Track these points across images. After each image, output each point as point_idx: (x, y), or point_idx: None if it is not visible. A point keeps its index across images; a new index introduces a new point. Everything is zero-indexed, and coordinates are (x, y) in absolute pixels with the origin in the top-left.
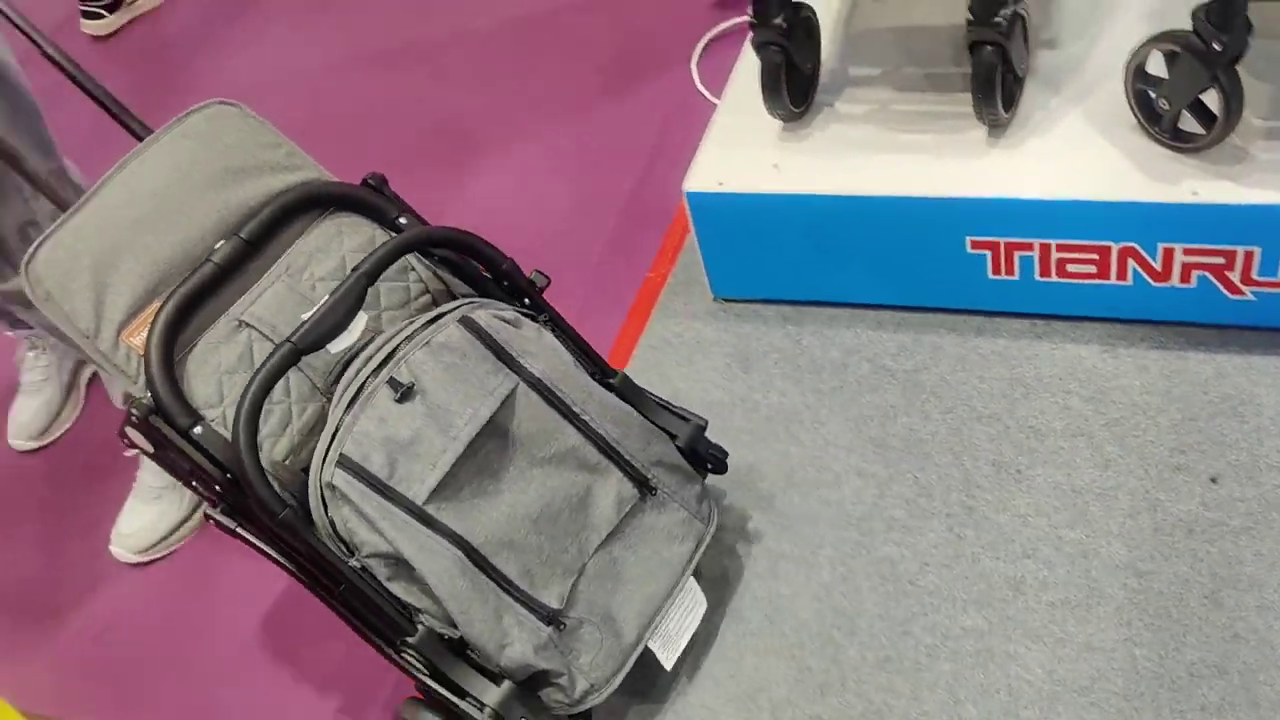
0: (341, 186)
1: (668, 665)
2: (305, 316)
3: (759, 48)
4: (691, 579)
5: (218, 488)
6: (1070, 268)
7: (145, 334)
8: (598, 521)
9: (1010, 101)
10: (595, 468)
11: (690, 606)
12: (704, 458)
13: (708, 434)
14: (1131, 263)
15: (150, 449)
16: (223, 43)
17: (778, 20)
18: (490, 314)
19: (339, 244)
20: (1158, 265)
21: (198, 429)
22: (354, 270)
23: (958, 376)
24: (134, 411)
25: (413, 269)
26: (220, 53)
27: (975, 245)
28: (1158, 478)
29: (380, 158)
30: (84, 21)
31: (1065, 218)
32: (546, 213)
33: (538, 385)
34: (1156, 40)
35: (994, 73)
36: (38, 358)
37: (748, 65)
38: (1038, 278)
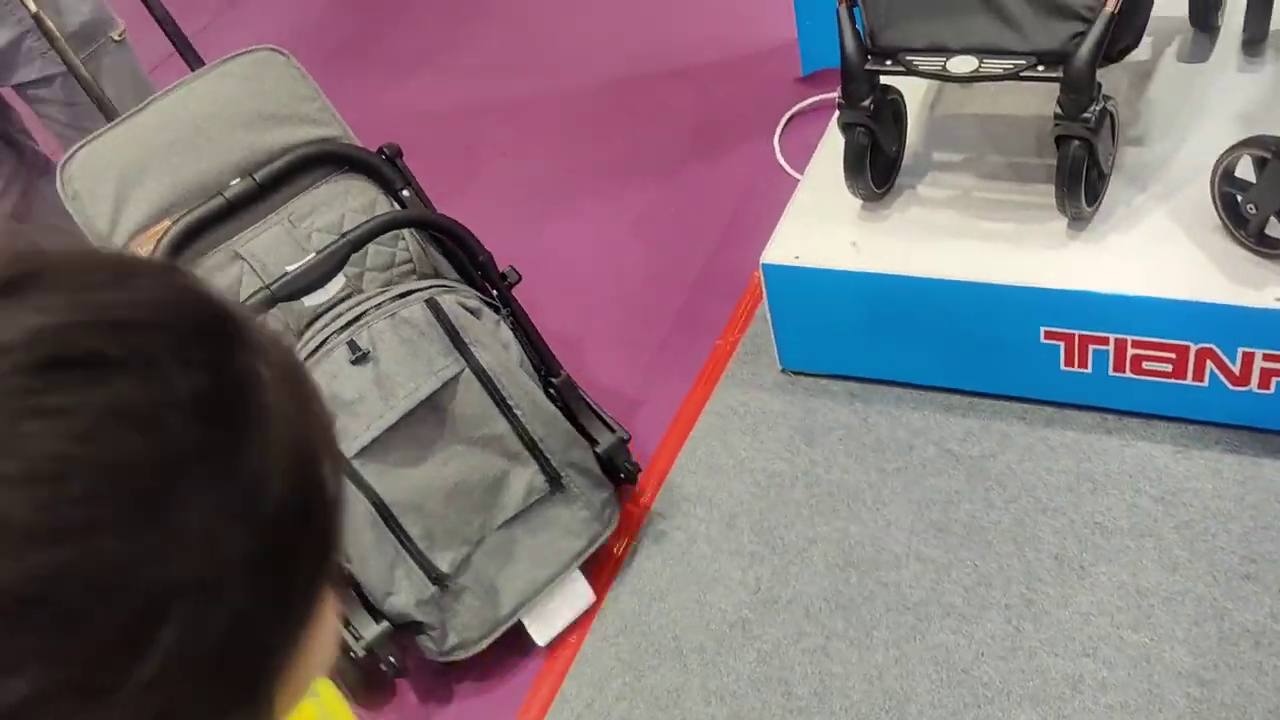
0: (357, 150)
1: (540, 642)
2: (290, 268)
3: (845, 128)
4: (579, 573)
5: None
6: (1146, 365)
7: (151, 247)
8: (506, 503)
9: (1094, 196)
10: (515, 457)
11: (573, 598)
12: (619, 469)
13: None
14: (1209, 365)
15: None
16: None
17: (866, 102)
18: (455, 299)
19: (343, 202)
20: (1236, 369)
21: None
22: (343, 235)
23: (1024, 466)
24: None
25: (403, 239)
26: None
27: (1049, 336)
28: (1226, 585)
29: (463, 206)
30: None
31: (1143, 315)
32: (622, 272)
33: (481, 374)
34: (1247, 145)
35: (1080, 167)
36: None
37: (832, 143)
38: (1111, 373)
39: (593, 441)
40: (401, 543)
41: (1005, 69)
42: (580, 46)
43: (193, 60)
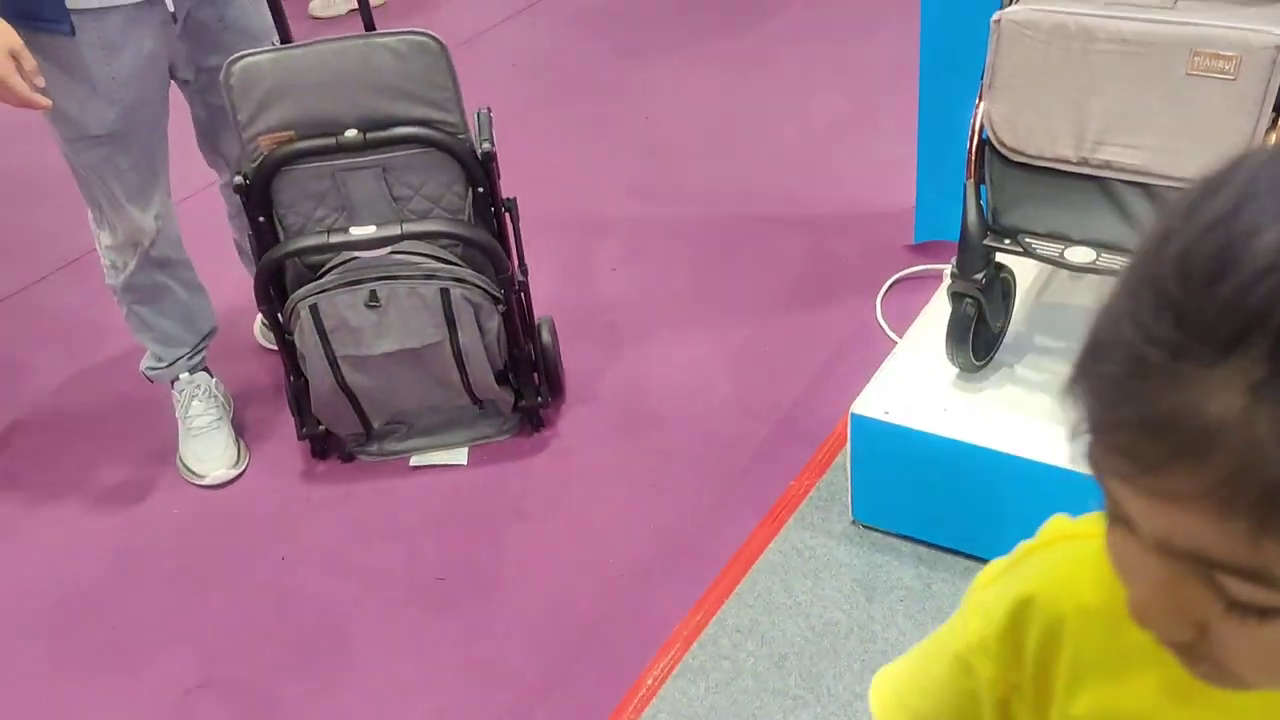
0: (456, 144)
1: (412, 463)
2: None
3: (954, 297)
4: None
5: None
6: None
7: (271, 146)
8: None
9: None
10: (458, 394)
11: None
12: (528, 413)
13: None
14: None
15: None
16: None
17: (978, 275)
18: (463, 293)
19: (432, 172)
20: None
21: (260, 219)
22: (403, 225)
23: None
24: (240, 176)
25: (461, 207)
26: None
27: None
28: None
29: (564, 305)
30: None
31: None
32: (710, 399)
33: (454, 346)
34: None
35: None
36: (207, 407)
37: (937, 308)
38: None
39: (517, 395)
40: (353, 406)
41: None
42: (708, 180)
43: (367, 22)
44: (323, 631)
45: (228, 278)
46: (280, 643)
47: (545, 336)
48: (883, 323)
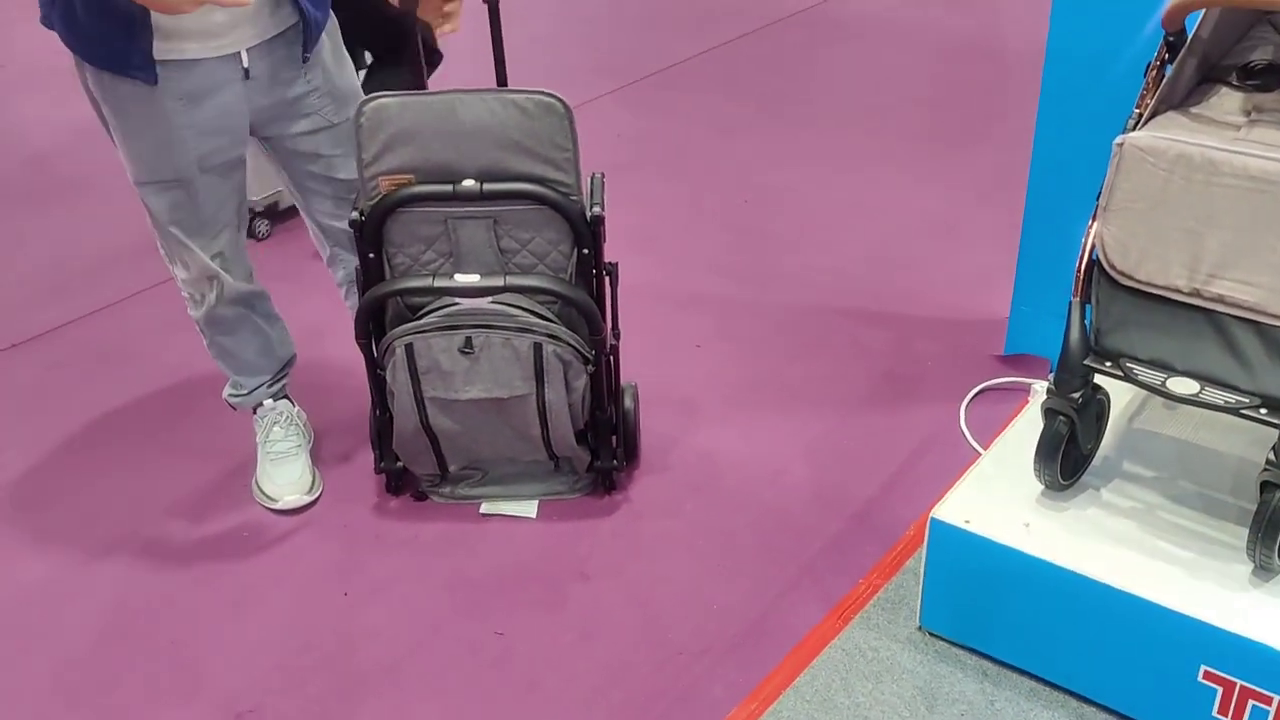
0: (567, 204)
1: (482, 510)
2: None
3: (1048, 413)
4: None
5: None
6: None
7: (388, 187)
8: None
9: None
10: (536, 447)
11: (524, 508)
12: (603, 474)
13: None
14: None
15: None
16: None
17: (1075, 395)
18: (555, 350)
19: (540, 229)
20: None
21: (370, 255)
22: (506, 278)
23: None
24: (356, 212)
25: (564, 265)
26: None
27: (1208, 677)
28: None
29: (646, 389)
30: None
31: None
32: (783, 487)
33: (539, 403)
34: None
35: None
36: (287, 433)
37: (1026, 423)
38: None
39: (593, 456)
40: (433, 448)
41: (1226, 402)
42: (799, 267)
43: (501, 79)
44: (377, 673)
45: (313, 308)
46: (334, 678)
47: (628, 402)
48: (965, 430)
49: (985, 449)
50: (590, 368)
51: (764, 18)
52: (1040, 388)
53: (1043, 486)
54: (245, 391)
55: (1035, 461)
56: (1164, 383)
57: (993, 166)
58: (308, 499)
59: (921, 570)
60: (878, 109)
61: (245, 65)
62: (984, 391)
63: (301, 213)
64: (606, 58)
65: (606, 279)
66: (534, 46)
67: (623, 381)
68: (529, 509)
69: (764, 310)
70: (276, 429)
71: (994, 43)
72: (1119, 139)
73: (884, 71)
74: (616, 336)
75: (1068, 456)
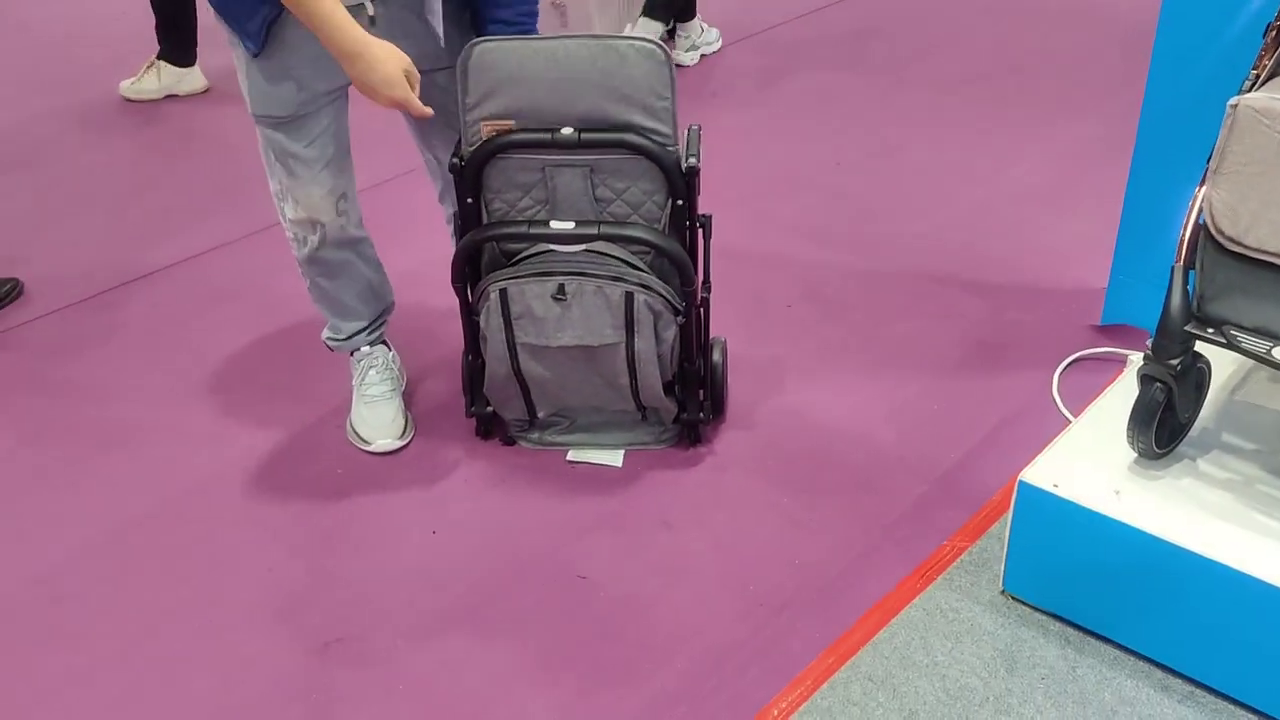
0: (664, 154)
1: (569, 457)
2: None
3: (1145, 380)
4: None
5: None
6: None
7: (489, 131)
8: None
9: None
10: (624, 397)
11: (610, 457)
12: (690, 425)
13: None
14: None
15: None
16: None
17: (1174, 361)
18: (646, 300)
19: (636, 178)
20: None
21: (469, 200)
22: (599, 226)
23: None
24: (456, 158)
25: (658, 215)
26: None
27: None
28: None
29: (735, 346)
30: None
31: None
32: (871, 448)
33: (629, 350)
34: None
35: None
36: (382, 378)
37: (1122, 389)
38: None
39: (680, 408)
40: (522, 392)
41: None
42: (893, 232)
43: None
44: (460, 611)
45: (411, 256)
46: (418, 614)
47: (716, 356)
48: (1058, 399)
49: (1078, 417)
50: (680, 319)
51: None
52: (1137, 358)
53: (1136, 454)
54: (343, 336)
55: (1129, 428)
56: (1269, 350)
57: (1093, 137)
58: (400, 443)
59: (1006, 535)
60: (975, 74)
61: (370, 14)
62: (1078, 361)
63: (418, 147)
64: (710, 15)
65: (700, 231)
66: None
67: (712, 336)
68: (615, 458)
69: (855, 273)
70: (372, 373)
71: (1098, 9)
72: (1233, 100)
73: (982, 36)
74: (708, 289)
75: (1164, 425)
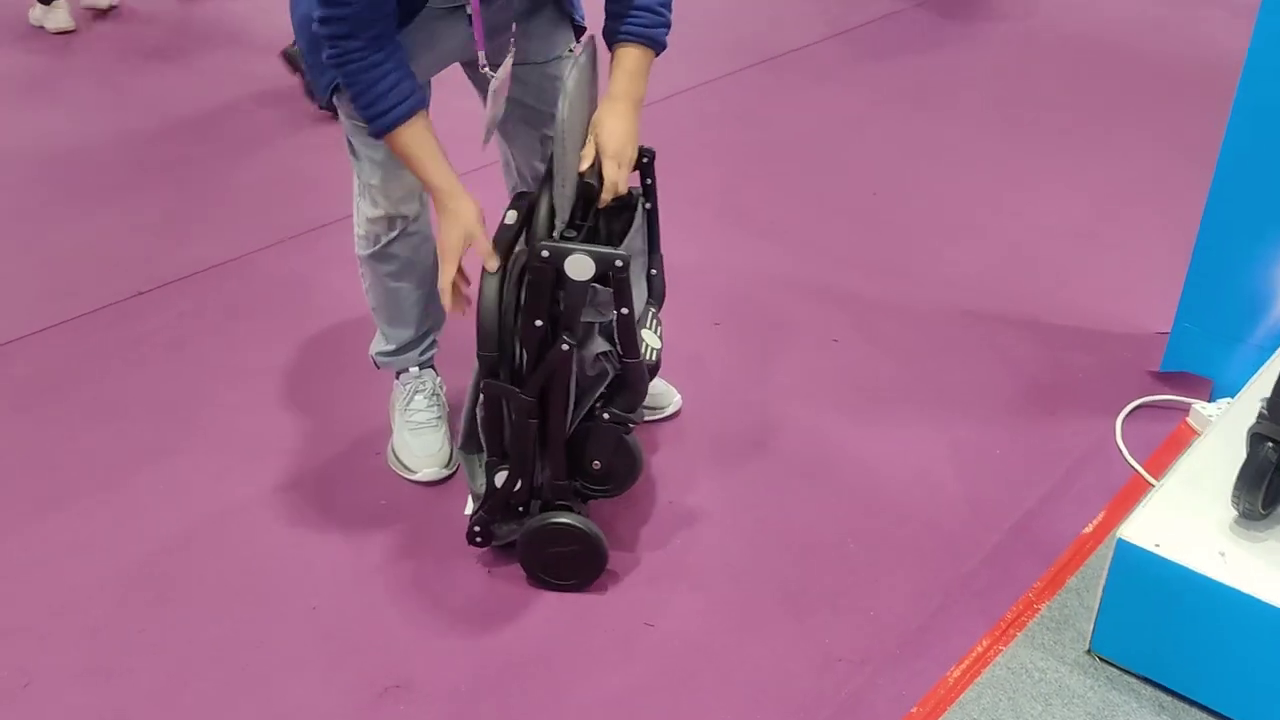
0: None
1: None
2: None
3: (1256, 439)
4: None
5: None
6: None
7: None
8: None
9: None
10: None
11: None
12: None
13: None
14: None
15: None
16: None
17: None
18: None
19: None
20: None
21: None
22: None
23: None
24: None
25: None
26: None
27: None
28: None
29: (783, 383)
30: None
31: None
32: (929, 491)
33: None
34: None
35: None
36: (429, 404)
37: (1216, 442)
38: None
39: None
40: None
41: None
42: (934, 265)
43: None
44: (523, 654)
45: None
46: (480, 658)
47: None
48: (1122, 446)
49: (1144, 466)
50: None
51: (886, 8)
52: (1200, 408)
53: (1237, 514)
54: (394, 348)
55: (1236, 487)
56: None
57: (1135, 170)
58: (446, 472)
59: (1086, 590)
60: (1016, 103)
61: (469, 12)
62: (1140, 408)
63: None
64: (739, 35)
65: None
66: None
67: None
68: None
69: (898, 307)
70: (419, 398)
71: (1128, 47)
72: None
73: (1024, 65)
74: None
75: (1271, 485)
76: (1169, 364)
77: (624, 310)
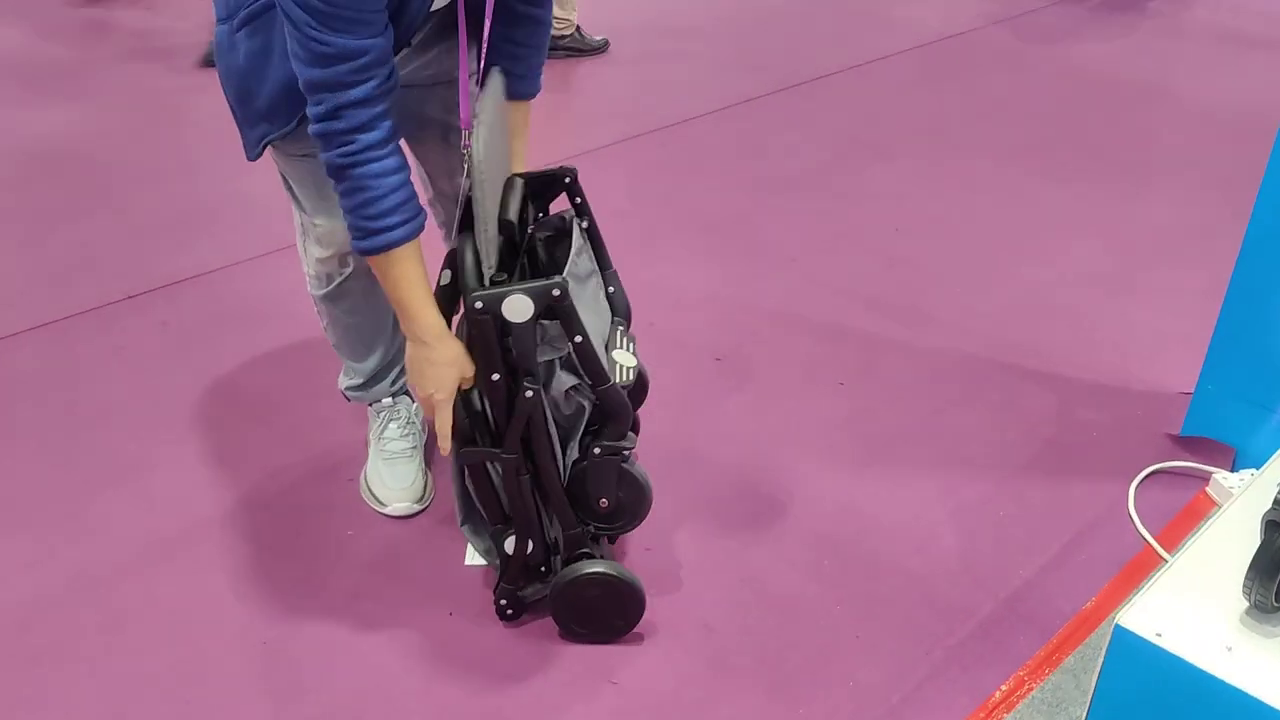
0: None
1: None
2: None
3: (1270, 526)
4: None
5: None
6: None
7: None
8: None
9: None
10: None
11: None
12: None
13: None
14: None
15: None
16: None
17: None
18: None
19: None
20: None
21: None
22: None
23: None
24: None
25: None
26: None
27: None
28: None
29: (783, 429)
30: None
31: None
32: (929, 555)
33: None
34: None
35: None
36: (403, 433)
37: (1236, 517)
38: None
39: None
40: None
41: None
42: (951, 309)
43: None
44: (481, 705)
45: None
46: (437, 705)
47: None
48: (1134, 516)
49: (1157, 538)
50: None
51: (917, 38)
52: (1221, 478)
53: (1248, 605)
54: (362, 380)
55: (1249, 577)
56: None
57: (1159, 221)
58: (418, 507)
59: (1084, 671)
60: (1037, 146)
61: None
62: (1155, 474)
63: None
64: (753, 59)
65: None
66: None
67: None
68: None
69: (910, 351)
70: (393, 426)
71: (1163, 88)
72: None
73: (1044, 105)
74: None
75: None
76: (1190, 428)
77: (577, 338)
